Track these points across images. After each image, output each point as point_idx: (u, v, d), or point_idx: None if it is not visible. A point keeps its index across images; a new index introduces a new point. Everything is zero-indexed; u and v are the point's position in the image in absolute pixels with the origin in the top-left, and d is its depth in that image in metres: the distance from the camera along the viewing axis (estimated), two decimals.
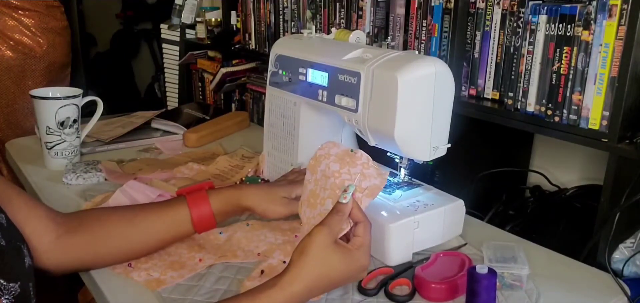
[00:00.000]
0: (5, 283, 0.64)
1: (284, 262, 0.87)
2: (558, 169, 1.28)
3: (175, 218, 0.86)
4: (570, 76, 0.95)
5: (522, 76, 1.02)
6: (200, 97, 2.13)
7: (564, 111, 0.96)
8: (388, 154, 0.96)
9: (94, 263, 0.85)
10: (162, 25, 2.33)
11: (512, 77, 1.04)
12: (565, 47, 0.95)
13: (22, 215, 0.76)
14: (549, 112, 0.99)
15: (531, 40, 0.99)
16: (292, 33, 1.58)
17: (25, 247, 0.72)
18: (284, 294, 0.67)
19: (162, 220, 0.85)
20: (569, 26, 0.94)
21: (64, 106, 1.20)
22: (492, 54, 1.08)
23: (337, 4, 1.38)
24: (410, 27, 1.19)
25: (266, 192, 0.92)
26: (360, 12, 1.32)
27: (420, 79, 0.84)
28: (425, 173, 1.11)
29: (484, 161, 1.23)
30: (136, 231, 0.84)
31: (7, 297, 0.64)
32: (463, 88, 1.13)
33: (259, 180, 1.08)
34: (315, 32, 1.12)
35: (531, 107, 1.01)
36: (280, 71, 1.09)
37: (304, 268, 0.69)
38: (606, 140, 0.91)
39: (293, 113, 1.07)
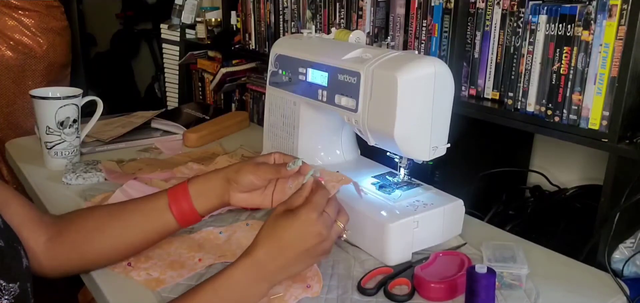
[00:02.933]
0: (5, 284, 0.64)
1: None
2: (558, 169, 1.28)
3: (158, 214, 0.83)
4: (570, 76, 0.95)
5: (522, 76, 1.02)
6: (200, 97, 2.13)
7: (564, 111, 0.96)
8: (388, 154, 0.96)
9: (82, 265, 0.84)
10: (162, 25, 2.33)
11: (512, 77, 1.04)
12: (565, 47, 0.95)
13: (19, 218, 0.76)
14: (549, 112, 0.99)
15: (531, 40, 0.99)
16: (292, 33, 1.58)
17: (22, 249, 0.72)
18: (243, 264, 0.71)
19: (145, 216, 0.84)
20: (569, 26, 0.94)
21: (64, 106, 1.20)
22: (492, 54, 1.08)
23: (337, 4, 1.38)
24: (410, 27, 1.19)
25: (247, 162, 0.87)
26: (360, 12, 1.32)
27: (420, 79, 0.84)
28: (425, 173, 1.11)
29: (484, 161, 1.23)
30: (120, 229, 0.83)
31: (7, 297, 0.64)
32: (463, 88, 1.13)
33: None
34: (315, 32, 1.12)
35: (531, 107, 1.01)
36: (280, 71, 1.09)
37: (258, 237, 0.73)
38: (606, 140, 0.91)
39: (293, 113, 1.07)
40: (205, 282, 0.71)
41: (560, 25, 0.95)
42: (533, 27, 0.99)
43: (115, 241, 0.83)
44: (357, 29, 1.25)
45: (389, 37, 1.25)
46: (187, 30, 2.19)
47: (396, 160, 0.97)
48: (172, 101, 2.37)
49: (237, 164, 0.85)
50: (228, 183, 0.84)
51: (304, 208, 0.73)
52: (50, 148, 1.22)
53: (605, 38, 0.89)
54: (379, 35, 1.30)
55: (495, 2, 1.05)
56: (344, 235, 0.79)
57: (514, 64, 1.03)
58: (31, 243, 0.77)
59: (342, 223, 0.78)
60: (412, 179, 0.99)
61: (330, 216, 0.75)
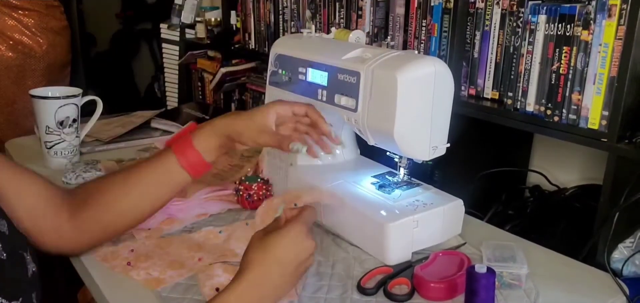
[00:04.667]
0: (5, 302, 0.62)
1: None
2: (557, 169, 1.28)
3: (168, 169, 0.84)
4: (570, 76, 0.95)
5: (522, 76, 1.02)
6: (200, 96, 2.13)
7: (564, 110, 0.96)
8: (387, 153, 0.96)
9: (104, 235, 0.86)
10: (161, 25, 2.33)
11: (512, 77, 1.04)
12: (564, 47, 0.95)
13: (42, 200, 0.77)
14: (549, 112, 0.99)
15: (531, 40, 0.99)
16: (291, 33, 1.58)
17: (28, 254, 0.71)
18: (236, 289, 0.68)
19: (155, 174, 0.85)
20: (568, 26, 0.94)
21: (64, 105, 1.20)
22: (492, 53, 1.08)
23: (337, 3, 1.38)
24: (410, 27, 1.19)
25: (253, 120, 0.87)
26: (359, 12, 1.32)
27: (419, 78, 0.84)
28: (425, 173, 1.11)
29: (484, 160, 1.23)
30: (137, 194, 0.84)
31: None
32: (462, 88, 1.13)
33: (259, 180, 1.08)
34: (315, 31, 1.12)
35: (531, 107, 1.01)
36: (280, 71, 1.09)
37: (246, 260, 0.70)
38: (605, 140, 0.91)
39: None
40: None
41: (560, 25, 0.95)
42: (532, 27, 0.99)
43: (133, 207, 0.85)
44: (356, 28, 1.25)
45: (388, 37, 1.25)
46: (187, 30, 2.19)
47: (396, 160, 0.97)
48: (172, 101, 2.37)
49: (241, 123, 0.85)
50: (230, 140, 0.85)
51: (294, 224, 0.73)
52: (50, 148, 1.22)
53: (605, 38, 0.89)
54: (378, 35, 1.30)
55: (495, 2, 1.05)
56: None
57: (514, 64, 1.03)
58: (56, 223, 0.77)
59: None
60: (412, 179, 0.99)
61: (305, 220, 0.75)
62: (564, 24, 0.94)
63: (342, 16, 1.38)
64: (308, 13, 1.50)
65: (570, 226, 1.10)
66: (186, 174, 0.85)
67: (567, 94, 0.95)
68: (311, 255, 0.74)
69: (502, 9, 1.04)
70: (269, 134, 0.86)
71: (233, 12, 1.88)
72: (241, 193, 1.06)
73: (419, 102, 0.85)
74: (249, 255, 0.71)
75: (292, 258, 0.72)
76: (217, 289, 0.79)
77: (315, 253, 0.75)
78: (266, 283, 0.70)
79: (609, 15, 0.88)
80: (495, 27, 1.06)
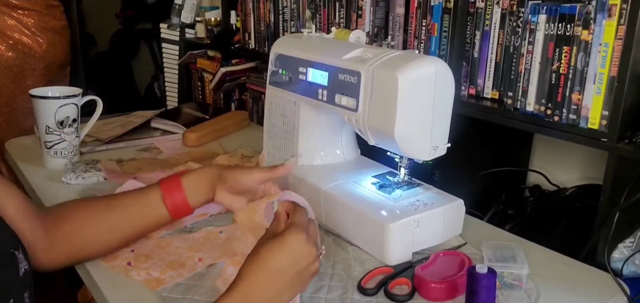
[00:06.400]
0: None
1: None
2: (557, 168, 1.29)
3: (152, 207, 0.85)
4: (570, 76, 0.95)
5: (522, 76, 1.02)
6: (200, 96, 2.13)
7: (564, 110, 0.96)
8: (388, 153, 0.96)
9: (77, 257, 0.84)
10: (161, 25, 2.33)
11: (512, 76, 1.04)
12: (564, 47, 0.95)
13: (21, 213, 0.76)
14: (549, 111, 0.99)
15: (531, 39, 0.99)
16: (291, 32, 1.58)
17: (20, 252, 0.70)
18: (231, 300, 0.66)
19: (138, 209, 0.85)
20: (568, 26, 0.94)
21: (64, 105, 1.20)
22: (492, 53, 1.08)
23: (337, 3, 1.38)
24: (410, 27, 1.19)
25: (239, 177, 0.89)
26: (359, 12, 1.32)
27: (420, 78, 0.84)
28: (425, 173, 1.11)
29: (484, 160, 1.24)
30: (113, 220, 0.84)
31: None
32: (462, 88, 1.13)
33: None
34: (315, 31, 1.12)
35: (531, 106, 1.01)
36: (280, 70, 1.09)
37: (243, 270, 0.68)
38: (605, 140, 0.91)
39: (293, 113, 1.07)
40: None
41: (560, 24, 0.95)
42: (532, 26, 0.99)
43: (109, 234, 0.84)
44: (356, 28, 1.25)
45: (388, 37, 1.25)
46: (187, 30, 2.19)
47: (396, 160, 0.97)
48: (172, 101, 2.37)
49: (228, 166, 0.87)
50: (218, 179, 0.85)
51: (289, 230, 0.70)
52: (50, 148, 1.22)
53: (605, 38, 0.89)
54: (378, 35, 1.30)
55: (495, 1, 1.05)
56: (323, 252, 0.76)
57: (514, 64, 1.03)
58: (31, 238, 0.77)
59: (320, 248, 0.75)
60: (413, 179, 0.99)
61: (312, 235, 0.73)
62: (564, 23, 0.94)
63: (342, 16, 1.38)
64: (308, 13, 1.50)
65: (570, 226, 1.10)
66: (166, 212, 0.85)
67: (567, 94, 0.95)
68: (313, 261, 0.71)
69: (502, 9, 1.04)
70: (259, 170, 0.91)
71: (233, 12, 1.88)
72: None
73: (419, 102, 0.85)
74: (245, 263, 0.69)
75: (286, 267, 0.69)
76: None
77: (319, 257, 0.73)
78: (259, 293, 0.67)
79: (609, 15, 0.88)
80: (495, 27, 1.06)
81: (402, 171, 0.97)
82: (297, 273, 0.70)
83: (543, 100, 0.99)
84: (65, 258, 0.83)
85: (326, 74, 0.97)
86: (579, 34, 0.92)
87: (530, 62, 1.00)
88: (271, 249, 0.69)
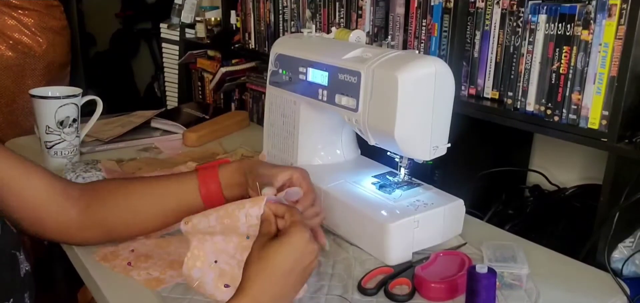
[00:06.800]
0: None
1: None
2: (557, 168, 1.29)
3: (188, 195, 0.86)
4: (570, 76, 0.95)
5: (522, 76, 1.02)
6: (200, 96, 2.13)
7: (564, 110, 0.96)
8: (388, 153, 0.96)
9: (110, 237, 0.86)
10: (161, 25, 2.33)
11: (512, 76, 1.04)
12: (564, 47, 0.95)
13: (46, 194, 0.77)
14: (549, 111, 0.99)
15: (531, 39, 0.99)
16: (291, 32, 1.58)
17: (21, 253, 0.71)
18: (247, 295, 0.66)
19: (174, 196, 0.86)
20: (568, 26, 0.94)
21: (64, 105, 1.20)
22: (492, 53, 1.08)
23: (337, 3, 1.38)
24: (410, 27, 1.19)
25: (274, 172, 0.87)
26: (359, 12, 1.32)
27: (420, 78, 0.84)
28: (425, 173, 1.11)
29: (484, 160, 1.24)
30: (147, 203, 0.86)
31: None
32: (462, 88, 1.13)
33: None
34: (315, 31, 1.12)
35: (531, 106, 1.01)
36: (280, 70, 1.09)
37: (247, 272, 0.68)
38: (605, 140, 0.91)
39: (293, 112, 1.07)
40: None
41: (560, 24, 0.95)
42: (532, 26, 0.99)
43: (143, 218, 0.86)
44: (356, 28, 1.25)
45: (388, 37, 1.25)
46: (187, 30, 2.19)
47: (396, 160, 0.97)
48: (172, 101, 2.37)
49: (262, 168, 0.86)
50: (250, 172, 0.86)
51: (294, 229, 0.70)
52: (50, 148, 1.22)
53: (605, 38, 0.89)
54: (378, 35, 1.30)
55: (495, 1, 1.05)
56: (326, 247, 0.76)
57: (514, 64, 1.04)
58: (61, 217, 0.78)
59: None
60: (413, 179, 0.99)
61: (301, 220, 0.73)
62: (564, 23, 0.94)
63: (342, 16, 1.38)
64: (308, 13, 1.50)
65: (570, 226, 1.11)
66: (200, 200, 0.86)
67: (567, 93, 0.95)
68: (315, 258, 0.72)
69: (502, 9, 1.04)
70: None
71: (233, 12, 1.88)
72: None
73: (419, 102, 0.85)
74: (249, 268, 0.69)
75: (292, 266, 0.69)
76: (226, 285, 0.79)
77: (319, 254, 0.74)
78: (267, 294, 0.68)
79: (609, 15, 0.88)
80: (495, 26, 1.06)
81: (402, 171, 0.97)
82: (302, 271, 0.71)
83: (543, 100, 0.99)
84: (100, 236, 0.86)
85: (326, 74, 0.97)
86: (579, 34, 0.92)
87: (530, 62, 1.00)
88: (278, 250, 0.69)
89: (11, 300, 0.65)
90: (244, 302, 0.67)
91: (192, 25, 2.17)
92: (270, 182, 0.83)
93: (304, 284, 0.74)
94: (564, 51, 0.95)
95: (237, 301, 0.67)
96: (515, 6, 1.02)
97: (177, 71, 2.30)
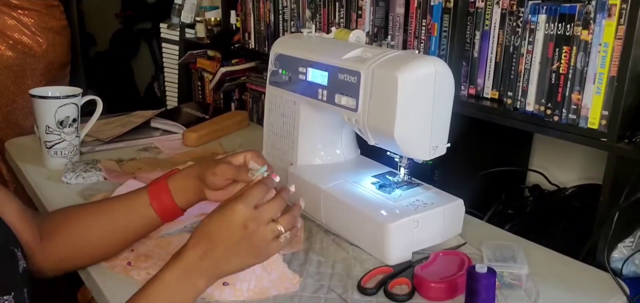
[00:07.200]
0: None
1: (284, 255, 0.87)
2: (557, 168, 1.29)
3: (140, 210, 0.84)
4: (570, 76, 0.95)
5: (522, 76, 1.02)
6: (200, 96, 2.13)
7: (563, 110, 0.96)
8: (388, 153, 0.96)
9: (73, 263, 0.84)
10: (161, 25, 2.33)
11: (512, 76, 1.04)
12: (564, 47, 0.95)
13: (17, 219, 0.76)
14: (549, 111, 0.99)
15: (530, 39, 0.99)
16: (291, 32, 1.58)
17: (19, 251, 0.71)
18: (172, 265, 0.68)
19: (128, 214, 0.84)
20: (568, 26, 0.94)
21: (64, 105, 1.20)
22: (492, 53, 1.08)
23: (337, 3, 1.38)
24: (410, 27, 1.19)
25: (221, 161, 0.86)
26: (359, 12, 1.32)
27: (420, 78, 0.84)
28: (425, 173, 1.11)
29: (484, 160, 1.24)
30: (105, 228, 0.84)
31: None
32: (462, 88, 1.14)
33: None
34: (315, 31, 1.12)
35: (530, 106, 1.01)
36: (280, 70, 1.09)
37: (191, 235, 0.70)
38: (605, 139, 0.91)
39: (293, 112, 1.07)
40: (138, 292, 0.68)
41: (560, 24, 0.95)
42: (532, 26, 0.99)
43: (101, 239, 0.84)
44: (356, 28, 1.25)
45: (388, 37, 1.25)
46: (187, 30, 2.19)
47: (396, 160, 0.97)
48: (172, 101, 2.37)
49: (206, 162, 0.84)
50: (200, 180, 0.84)
51: (229, 200, 0.71)
52: (50, 148, 1.22)
53: (605, 37, 0.89)
54: (378, 35, 1.30)
55: (495, 1, 1.05)
56: (282, 238, 0.73)
57: (514, 64, 1.04)
58: (30, 243, 0.77)
59: (281, 226, 0.72)
60: (412, 178, 0.99)
61: (264, 212, 0.71)
62: (563, 23, 0.94)
63: (342, 16, 1.38)
64: (308, 13, 1.50)
65: (570, 226, 1.11)
66: (155, 215, 0.84)
67: (567, 93, 0.95)
68: (250, 233, 0.69)
69: (502, 9, 1.04)
70: (227, 166, 0.83)
71: (233, 12, 1.88)
72: None
73: (419, 102, 0.86)
74: (195, 229, 0.71)
75: (223, 236, 0.69)
76: (225, 283, 0.79)
77: (272, 219, 0.71)
78: (201, 258, 0.69)
79: (609, 15, 0.88)
80: (495, 26, 1.06)
81: (402, 171, 0.98)
82: (234, 243, 0.69)
83: (543, 100, 0.99)
84: (62, 265, 0.83)
85: (326, 74, 0.97)
86: (579, 34, 0.92)
87: (530, 62, 1.00)
88: (210, 216, 0.70)
89: (12, 293, 0.65)
90: (177, 263, 0.68)
91: (192, 25, 2.17)
92: (228, 170, 0.81)
93: (254, 261, 0.72)
94: (563, 51, 0.95)
95: (171, 261, 0.68)
96: (515, 6, 1.02)
97: (177, 71, 2.30)
